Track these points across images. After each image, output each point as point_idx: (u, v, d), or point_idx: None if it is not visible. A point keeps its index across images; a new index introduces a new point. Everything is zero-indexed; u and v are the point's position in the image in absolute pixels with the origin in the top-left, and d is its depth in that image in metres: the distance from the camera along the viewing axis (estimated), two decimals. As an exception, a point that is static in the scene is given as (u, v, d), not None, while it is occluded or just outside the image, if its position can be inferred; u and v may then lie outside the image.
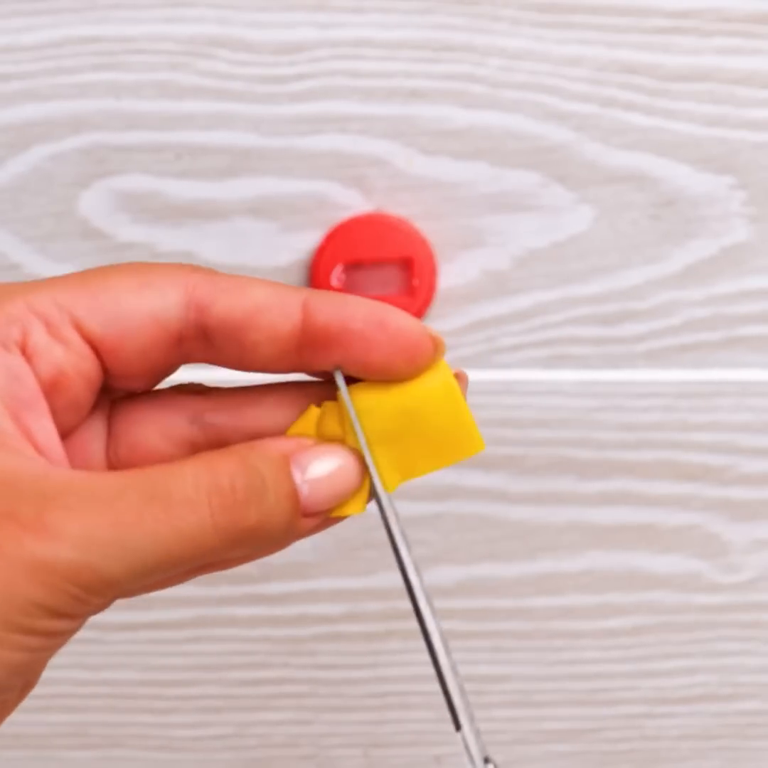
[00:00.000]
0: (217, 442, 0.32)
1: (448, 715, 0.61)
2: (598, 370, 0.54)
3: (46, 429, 0.30)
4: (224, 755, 0.58)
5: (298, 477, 0.30)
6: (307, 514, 0.30)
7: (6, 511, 0.27)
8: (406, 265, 0.51)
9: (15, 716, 0.57)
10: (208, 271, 0.31)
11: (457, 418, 0.32)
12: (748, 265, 0.53)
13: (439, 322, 0.53)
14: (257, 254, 0.52)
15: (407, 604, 0.59)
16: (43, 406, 0.30)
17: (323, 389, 0.33)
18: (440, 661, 0.31)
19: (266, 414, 0.32)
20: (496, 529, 0.55)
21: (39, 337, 0.29)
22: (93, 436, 0.32)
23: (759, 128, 0.51)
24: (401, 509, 0.55)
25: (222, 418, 0.32)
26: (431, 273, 0.52)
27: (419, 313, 0.52)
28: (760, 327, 0.53)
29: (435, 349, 0.31)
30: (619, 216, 0.52)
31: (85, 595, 0.28)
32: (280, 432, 0.32)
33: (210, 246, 0.52)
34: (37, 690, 0.57)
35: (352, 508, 0.32)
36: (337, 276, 0.51)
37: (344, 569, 0.56)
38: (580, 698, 0.57)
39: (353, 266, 0.51)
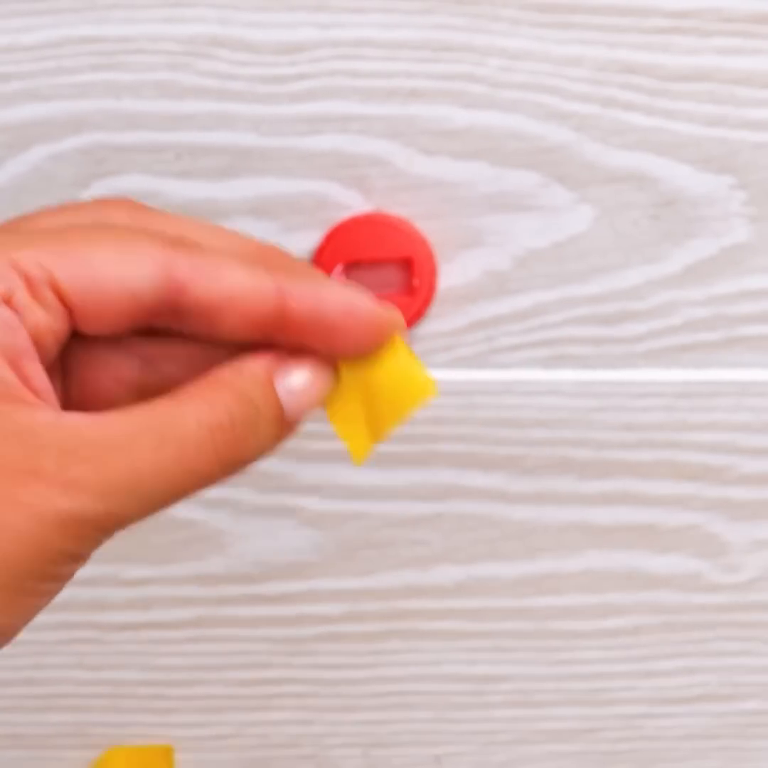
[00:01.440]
0: (168, 385, 0.33)
1: (448, 715, 0.62)
2: (598, 370, 0.53)
3: (40, 374, 0.31)
4: (224, 755, 0.58)
5: (281, 391, 0.32)
6: (287, 425, 0.32)
7: (29, 468, 0.28)
8: (406, 265, 0.51)
9: (15, 716, 0.57)
10: (189, 248, 0.31)
11: (406, 369, 0.33)
12: (748, 265, 0.53)
13: (439, 322, 0.53)
14: (257, 254, 0.52)
15: (407, 604, 0.59)
16: (34, 353, 0.31)
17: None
18: None
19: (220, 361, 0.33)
20: (496, 529, 0.55)
21: (21, 296, 0.30)
22: (53, 376, 0.33)
23: (759, 128, 0.51)
24: (401, 509, 0.55)
25: (174, 368, 0.33)
26: (431, 273, 0.52)
27: (419, 313, 0.52)
28: (760, 327, 0.53)
29: (394, 328, 0.33)
30: (619, 216, 0.52)
31: (102, 536, 0.30)
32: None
33: (210, 246, 0.52)
34: (37, 690, 0.57)
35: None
36: (336, 276, 0.51)
37: (344, 569, 0.56)
38: (580, 698, 0.57)
39: (353, 266, 0.51)
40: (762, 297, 0.53)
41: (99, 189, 0.51)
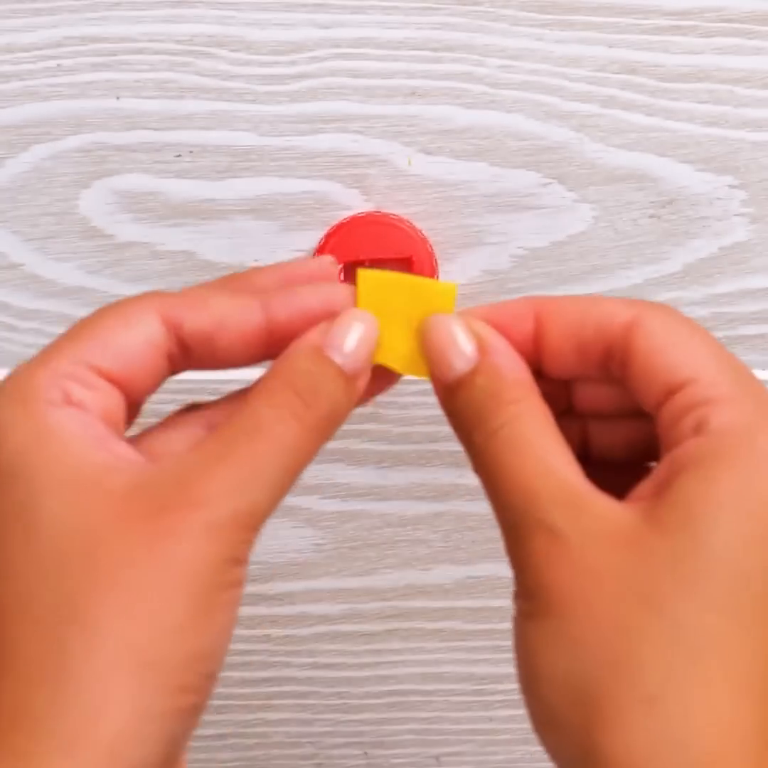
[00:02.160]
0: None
1: (448, 715, 0.62)
2: (598, 369, 0.53)
3: (127, 449, 0.34)
4: (224, 755, 0.58)
5: (337, 358, 0.34)
6: (353, 377, 0.35)
7: (157, 509, 0.32)
8: (406, 265, 0.51)
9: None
10: (173, 292, 0.35)
11: (419, 290, 0.36)
12: (748, 265, 0.53)
13: (439, 321, 0.53)
14: (257, 254, 0.52)
15: (407, 604, 0.59)
16: (112, 434, 0.34)
17: None
18: None
19: None
20: (496, 529, 0.55)
21: (79, 392, 0.34)
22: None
23: (759, 128, 0.51)
24: (402, 509, 0.55)
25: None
26: (431, 273, 0.52)
27: (419, 312, 0.52)
28: (760, 327, 0.53)
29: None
30: (619, 216, 0.52)
31: (249, 534, 0.33)
32: None
33: (210, 246, 0.52)
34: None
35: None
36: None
37: (344, 569, 0.56)
38: (580, 698, 0.57)
39: (353, 266, 0.51)
40: (762, 297, 0.53)
41: (99, 189, 0.51)
